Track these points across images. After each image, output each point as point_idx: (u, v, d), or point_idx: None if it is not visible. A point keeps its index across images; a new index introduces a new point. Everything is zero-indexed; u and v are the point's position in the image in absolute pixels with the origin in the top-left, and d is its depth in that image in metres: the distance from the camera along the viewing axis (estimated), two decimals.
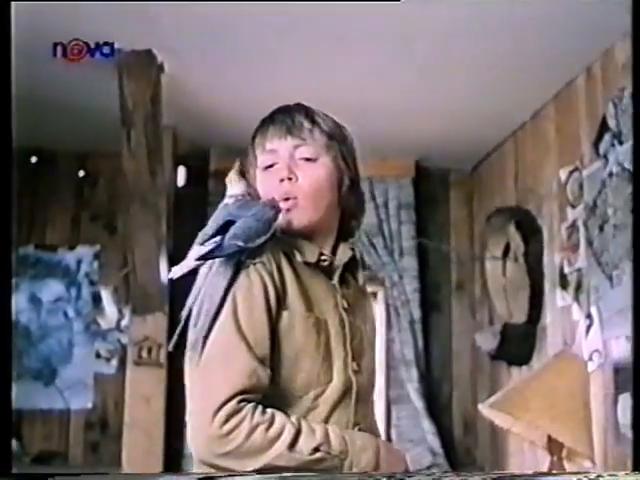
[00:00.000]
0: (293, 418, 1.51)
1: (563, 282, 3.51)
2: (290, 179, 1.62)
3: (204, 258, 1.52)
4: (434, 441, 4.48)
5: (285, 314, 1.56)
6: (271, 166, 1.65)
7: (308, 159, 1.64)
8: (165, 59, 3.30)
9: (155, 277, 3.69)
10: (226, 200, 1.64)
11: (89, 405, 4.30)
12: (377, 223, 4.56)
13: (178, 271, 1.51)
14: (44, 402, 4.33)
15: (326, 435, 1.51)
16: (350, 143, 1.72)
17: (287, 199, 1.62)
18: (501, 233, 4.08)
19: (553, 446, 2.90)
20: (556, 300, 3.58)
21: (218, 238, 1.52)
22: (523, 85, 3.54)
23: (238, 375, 1.48)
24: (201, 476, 1.49)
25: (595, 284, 3.22)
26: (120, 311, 4.28)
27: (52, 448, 4.31)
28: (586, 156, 3.35)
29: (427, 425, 4.48)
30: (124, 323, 4.23)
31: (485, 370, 4.48)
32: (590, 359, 3.10)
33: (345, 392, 1.59)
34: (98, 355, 4.32)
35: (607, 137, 3.16)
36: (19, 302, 4.37)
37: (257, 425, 1.46)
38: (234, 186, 1.66)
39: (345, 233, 1.74)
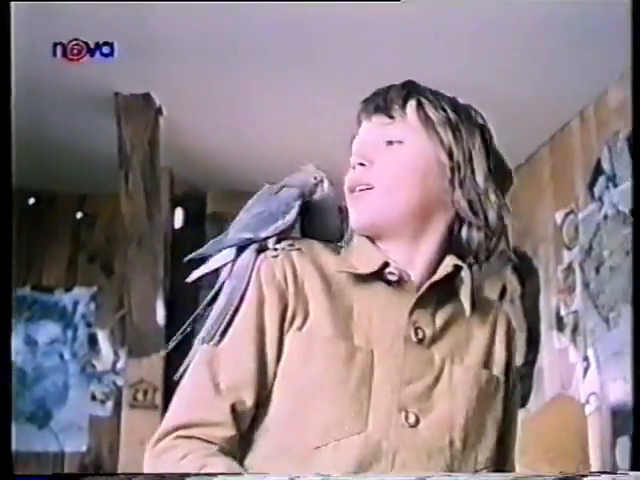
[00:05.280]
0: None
1: (560, 324, 3.51)
2: (362, 165, 1.29)
3: (197, 256, 1.34)
4: None
5: (298, 336, 1.22)
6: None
7: (392, 142, 1.29)
8: (163, 102, 3.33)
9: (151, 319, 3.69)
10: None
11: (83, 448, 4.26)
12: None
13: (197, 273, 1.33)
14: (38, 444, 4.29)
15: None
16: (473, 133, 1.35)
17: (358, 189, 1.28)
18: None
19: None
20: (553, 342, 3.58)
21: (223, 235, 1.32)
22: (518, 129, 3.57)
23: (196, 403, 1.21)
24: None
25: (592, 326, 3.22)
26: (116, 353, 4.26)
27: None
28: (581, 199, 3.37)
29: None
30: (120, 365, 4.22)
31: None
32: (587, 402, 3.09)
33: (378, 452, 1.18)
34: (93, 397, 4.30)
35: (602, 180, 3.19)
36: (15, 344, 4.36)
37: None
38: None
39: (455, 245, 1.31)
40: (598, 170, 3.21)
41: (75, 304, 4.42)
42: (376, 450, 1.17)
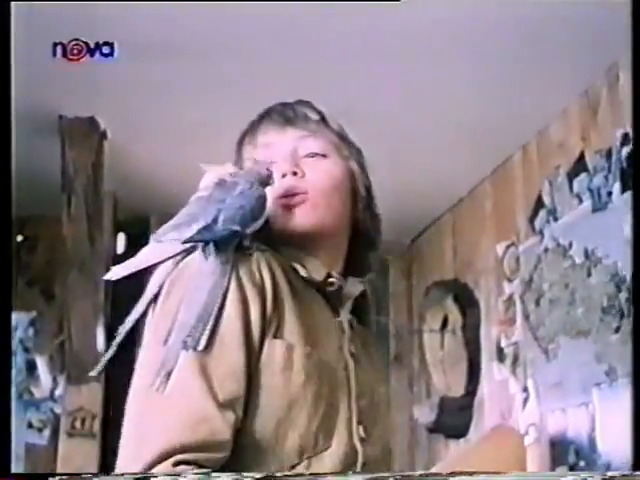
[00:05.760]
0: None
1: (500, 355, 3.55)
2: (295, 174, 1.26)
3: (191, 241, 1.15)
4: None
5: (274, 344, 1.13)
6: None
7: (316, 154, 1.29)
8: (108, 126, 3.31)
9: (91, 346, 3.63)
10: (199, 193, 1.28)
11: None
12: None
13: (122, 270, 1.23)
14: None
15: None
16: (361, 152, 1.39)
17: (292, 195, 1.24)
18: (439, 306, 4.11)
19: None
20: (493, 373, 3.61)
21: (204, 223, 1.16)
22: (460, 161, 3.62)
23: (197, 421, 1.04)
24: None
25: (531, 358, 3.25)
26: (55, 380, 4.19)
27: None
28: (522, 231, 3.42)
29: None
30: (58, 392, 4.15)
31: (423, 443, 4.47)
32: (527, 433, 3.12)
33: (346, 466, 1.17)
34: (30, 425, 4.21)
35: (542, 213, 3.24)
36: None
37: None
38: (211, 173, 1.30)
39: (356, 265, 1.32)
40: (539, 204, 3.26)
41: (14, 329, 4.34)
42: (343, 464, 1.16)
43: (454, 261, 4.21)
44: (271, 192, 1.23)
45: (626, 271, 2.64)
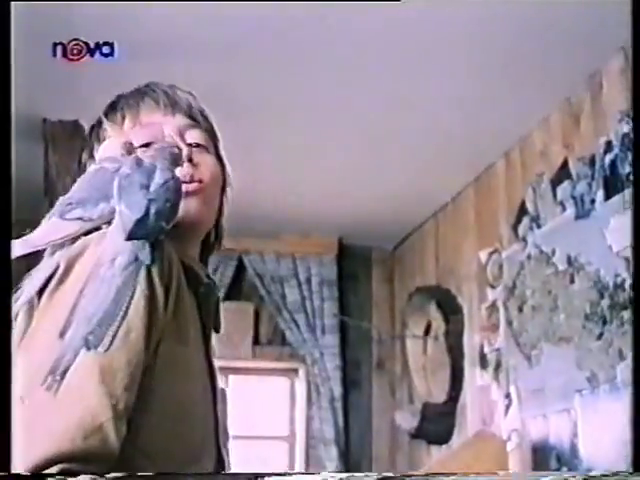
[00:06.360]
0: None
1: (483, 362, 3.55)
2: (190, 160, 1.18)
3: (132, 238, 1.02)
4: None
5: (178, 351, 1.05)
6: (148, 145, 1.17)
7: (199, 145, 1.22)
8: None
9: None
10: (104, 163, 1.16)
11: None
12: (300, 300, 4.57)
13: (21, 247, 1.14)
14: None
15: None
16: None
17: (189, 182, 1.16)
18: (422, 312, 4.12)
19: None
20: (475, 379, 3.62)
21: (132, 214, 1.04)
22: (444, 168, 3.62)
23: (89, 428, 0.93)
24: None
25: (514, 364, 3.26)
26: None
27: None
28: (505, 238, 3.43)
29: None
30: None
31: (404, 449, 4.47)
32: (509, 438, 3.13)
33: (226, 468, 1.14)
34: None
35: (525, 220, 3.25)
36: None
37: None
38: (115, 139, 1.18)
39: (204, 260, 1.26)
40: (522, 211, 3.28)
41: None
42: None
43: (437, 267, 4.21)
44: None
45: (609, 278, 2.65)
